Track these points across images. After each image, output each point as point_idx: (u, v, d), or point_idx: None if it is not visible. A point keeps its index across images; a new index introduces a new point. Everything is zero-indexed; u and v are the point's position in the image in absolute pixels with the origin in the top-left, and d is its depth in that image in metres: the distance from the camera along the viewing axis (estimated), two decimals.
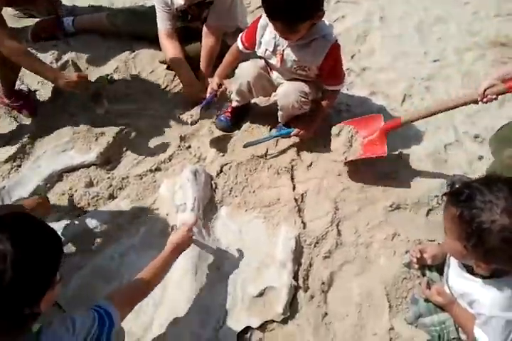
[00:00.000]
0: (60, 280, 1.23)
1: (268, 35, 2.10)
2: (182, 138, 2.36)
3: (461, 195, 1.38)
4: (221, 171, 2.23)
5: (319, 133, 2.35)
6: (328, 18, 2.80)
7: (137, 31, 2.81)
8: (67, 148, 2.27)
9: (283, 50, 2.08)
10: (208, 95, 2.33)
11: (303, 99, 2.19)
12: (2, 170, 2.21)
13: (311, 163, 2.31)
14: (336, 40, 2.06)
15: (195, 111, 2.35)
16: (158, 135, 2.41)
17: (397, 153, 2.33)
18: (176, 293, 1.84)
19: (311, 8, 1.86)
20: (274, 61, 2.15)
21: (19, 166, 2.25)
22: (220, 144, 2.35)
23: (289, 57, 2.10)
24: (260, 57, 2.24)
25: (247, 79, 2.26)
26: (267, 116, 2.47)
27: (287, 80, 2.23)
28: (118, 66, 2.75)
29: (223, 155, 2.29)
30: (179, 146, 2.33)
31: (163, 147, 2.35)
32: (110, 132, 2.33)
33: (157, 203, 2.14)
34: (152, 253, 1.95)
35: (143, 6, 3.00)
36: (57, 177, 2.20)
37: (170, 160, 2.28)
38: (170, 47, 2.57)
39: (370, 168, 2.25)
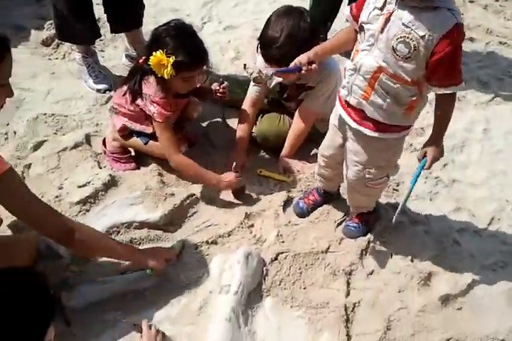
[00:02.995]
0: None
1: None
2: (247, 216, 2.31)
3: None
4: (276, 259, 2.13)
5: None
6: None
7: (233, 99, 2.78)
8: (136, 203, 2.29)
9: (393, 10, 1.59)
10: (292, 65, 1.98)
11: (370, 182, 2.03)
12: (71, 211, 2.26)
13: (372, 271, 2.17)
14: (463, 24, 1.58)
15: (267, 70, 2.29)
16: (226, 207, 2.38)
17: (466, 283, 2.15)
18: None
19: None
20: (375, 25, 1.64)
21: (87, 211, 2.29)
22: (283, 229, 2.27)
23: (396, 19, 1.58)
24: (360, 29, 1.74)
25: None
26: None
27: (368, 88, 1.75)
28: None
29: (283, 242, 2.21)
30: (241, 223, 2.28)
31: (226, 220, 2.30)
32: (180, 195, 2.34)
33: (204, 277, 2.07)
34: (184, 330, 1.92)
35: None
36: (118, 228, 2.21)
37: (228, 236, 2.23)
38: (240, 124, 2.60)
39: (429, 292, 2.07)
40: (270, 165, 2.62)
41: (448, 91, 1.65)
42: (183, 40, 2.14)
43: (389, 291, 2.10)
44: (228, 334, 1.84)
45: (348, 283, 2.11)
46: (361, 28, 1.71)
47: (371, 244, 2.24)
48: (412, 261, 2.21)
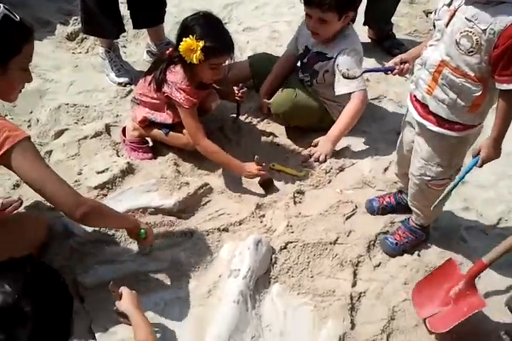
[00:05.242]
0: None
1: None
2: (258, 206, 2.37)
3: None
4: (285, 248, 2.18)
5: None
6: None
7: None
8: (151, 190, 2.36)
9: (458, 6, 1.65)
10: (386, 65, 2.12)
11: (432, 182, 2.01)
12: (89, 195, 2.32)
13: (379, 264, 2.21)
14: None
15: (356, 70, 2.40)
16: (238, 197, 2.44)
17: None
18: None
19: None
20: (443, 21, 1.71)
21: (105, 195, 2.36)
22: (293, 220, 2.32)
23: (460, 14, 1.64)
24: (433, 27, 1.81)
25: None
26: None
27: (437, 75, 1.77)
28: None
29: (292, 232, 2.26)
30: (253, 213, 2.33)
31: (238, 210, 2.36)
32: (194, 184, 2.40)
33: (214, 262, 2.14)
34: (193, 311, 1.98)
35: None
36: (133, 213, 2.27)
37: (240, 224, 2.29)
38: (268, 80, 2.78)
39: None
40: (283, 160, 2.68)
41: (510, 87, 1.62)
42: (212, 28, 2.24)
43: (395, 283, 2.13)
44: (236, 316, 1.90)
45: (355, 274, 2.16)
46: (434, 26, 1.79)
47: (379, 237, 2.29)
48: (418, 255, 2.25)
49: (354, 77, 2.42)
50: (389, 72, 2.14)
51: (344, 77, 2.43)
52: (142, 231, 1.96)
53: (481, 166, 1.83)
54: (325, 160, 2.61)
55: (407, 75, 2.18)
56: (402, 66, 2.08)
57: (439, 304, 1.96)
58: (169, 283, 2.06)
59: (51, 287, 1.16)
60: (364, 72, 2.43)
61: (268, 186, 2.49)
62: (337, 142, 2.66)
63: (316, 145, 2.65)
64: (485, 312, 2.02)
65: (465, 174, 1.86)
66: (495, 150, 1.79)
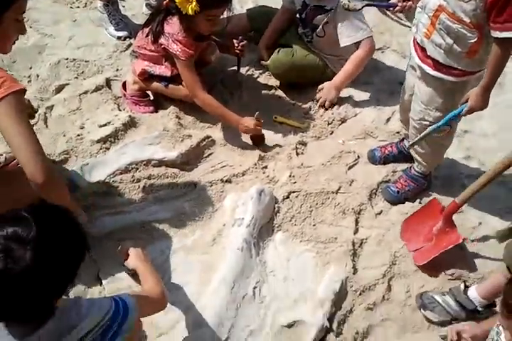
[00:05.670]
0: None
1: None
2: (261, 158, 2.39)
3: None
4: (288, 197, 2.21)
5: None
6: None
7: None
8: (154, 143, 2.37)
9: None
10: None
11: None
12: (92, 149, 2.34)
13: (381, 212, 2.25)
14: None
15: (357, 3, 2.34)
16: (241, 149, 2.46)
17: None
18: (208, 299, 1.86)
19: None
20: None
21: (107, 149, 2.37)
22: (295, 171, 2.34)
23: None
24: None
25: None
26: None
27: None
28: None
29: (295, 183, 2.28)
30: (255, 165, 2.35)
31: (241, 162, 2.38)
32: (196, 137, 2.41)
33: (218, 212, 2.17)
34: (198, 259, 2.02)
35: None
36: (137, 165, 2.29)
37: (243, 175, 2.31)
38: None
39: None
40: (285, 112, 2.67)
41: (504, 35, 1.61)
42: None
43: (396, 230, 2.18)
44: (240, 262, 1.95)
45: (357, 222, 2.19)
46: None
47: (381, 186, 2.31)
48: (420, 203, 2.28)
49: (355, 10, 2.38)
50: (391, 8, 2.11)
51: (344, 8, 2.39)
52: None
53: (465, 115, 1.85)
54: (330, 107, 2.62)
55: (410, 24, 2.15)
56: (404, 3, 2.07)
57: (424, 240, 2.08)
58: (174, 232, 2.10)
59: (63, 222, 1.17)
60: (365, 5, 2.34)
61: (259, 142, 2.48)
62: (342, 88, 2.65)
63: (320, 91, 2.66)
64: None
65: (449, 119, 1.88)
66: (482, 99, 1.79)
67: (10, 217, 1.10)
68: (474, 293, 1.86)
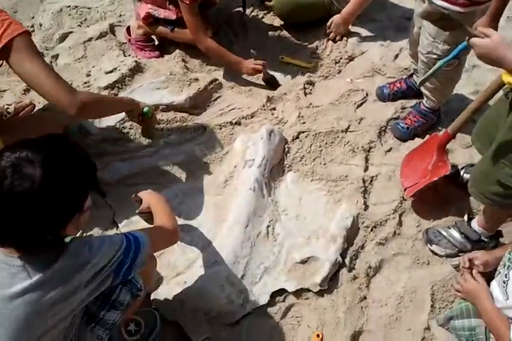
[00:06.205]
0: (90, 207, 1.26)
1: None
2: (269, 99, 2.37)
3: None
4: (297, 137, 2.22)
5: None
6: None
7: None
8: (161, 87, 2.37)
9: None
10: None
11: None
12: None
13: (391, 149, 2.25)
14: None
15: None
16: (248, 91, 2.44)
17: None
18: (223, 239, 1.90)
19: None
20: None
21: (116, 95, 2.36)
22: (304, 111, 2.33)
23: None
24: None
25: None
26: None
27: None
28: None
29: (304, 123, 2.28)
30: (264, 106, 2.34)
31: (249, 104, 2.37)
32: (204, 80, 2.39)
33: (229, 154, 2.19)
34: (211, 200, 2.06)
35: None
36: None
37: (252, 117, 2.31)
38: None
39: None
40: (291, 53, 2.63)
41: None
42: None
43: None
44: (252, 202, 1.98)
45: (367, 159, 2.20)
46: None
47: (390, 123, 2.30)
48: None
49: None
50: None
51: None
52: (146, 109, 1.92)
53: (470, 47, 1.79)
54: (341, 40, 2.62)
55: None
56: None
57: (419, 176, 2.06)
58: (186, 175, 2.13)
59: (72, 150, 1.19)
60: None
61: (272, 83, 2.48)
62: (351, 20, 2.61)
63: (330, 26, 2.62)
64: None
65: (457, 52, 1.81)
66: (487, 45, 1.68)
67: (23, 143, 1.13)
68: (476, 224, 1.89)
